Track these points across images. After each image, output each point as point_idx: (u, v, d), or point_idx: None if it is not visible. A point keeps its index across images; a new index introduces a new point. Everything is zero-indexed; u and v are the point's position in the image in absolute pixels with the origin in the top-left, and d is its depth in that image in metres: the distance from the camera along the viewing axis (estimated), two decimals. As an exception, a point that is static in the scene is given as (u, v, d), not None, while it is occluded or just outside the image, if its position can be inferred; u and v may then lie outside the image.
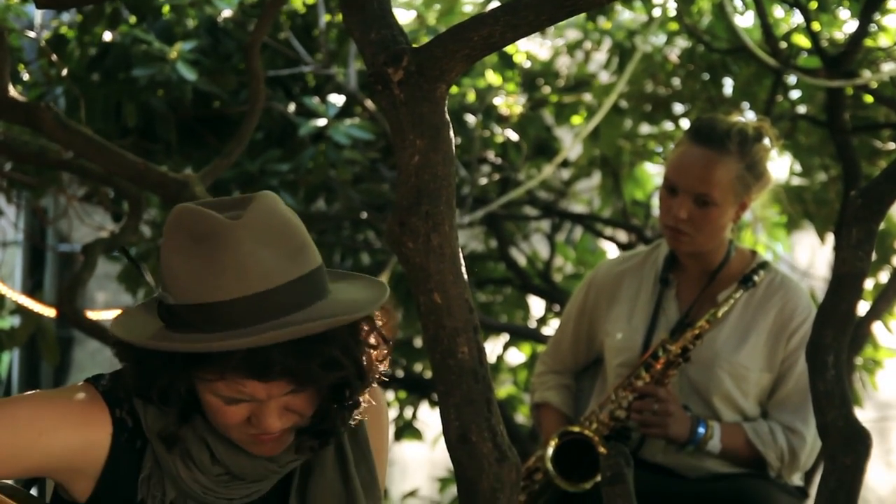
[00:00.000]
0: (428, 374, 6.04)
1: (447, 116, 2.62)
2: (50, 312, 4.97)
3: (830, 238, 5.41)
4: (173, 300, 2.23)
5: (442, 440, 6.68)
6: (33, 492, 2.51)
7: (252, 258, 2.21)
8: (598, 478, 3.70)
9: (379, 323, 2.35)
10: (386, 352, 2.36)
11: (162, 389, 2.25)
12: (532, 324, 6.11)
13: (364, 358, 2.31)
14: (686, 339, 3.78)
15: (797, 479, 3.92)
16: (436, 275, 2.71)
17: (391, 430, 5.90)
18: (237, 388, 2.22)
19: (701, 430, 3.77)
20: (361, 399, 2.34)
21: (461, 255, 2.71)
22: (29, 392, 2.37)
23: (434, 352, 2.76)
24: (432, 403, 6.07)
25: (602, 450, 3.74)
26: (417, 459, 7.81)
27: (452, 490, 6.36)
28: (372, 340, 2.33)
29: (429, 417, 6.36)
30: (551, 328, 5.88)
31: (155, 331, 2.26)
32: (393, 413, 6.09)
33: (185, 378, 2.23)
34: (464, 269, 2.75)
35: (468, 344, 2.74)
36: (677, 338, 3.80)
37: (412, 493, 6.67)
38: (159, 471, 2.32)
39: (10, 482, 2.39)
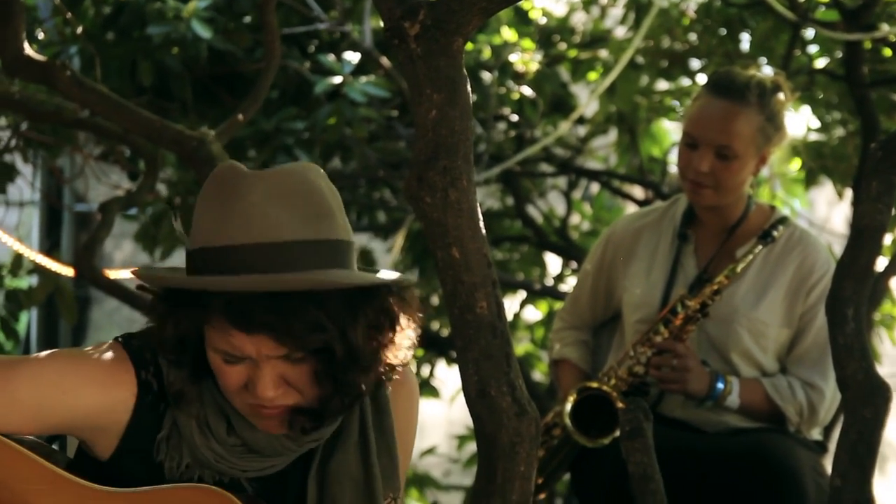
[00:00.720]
0: (445, 332, 6.05)
1: (464, 71, 2.61)
2: (68, 271, 4.97)
3: (848, 193, 5.38)
4: (191, 245, 2.25)
5: (459, 397, 6.69)
6: (55, 447, 2.52)
7: (258, 209, 2.21)
8: (617, 433, 3.71)
9: (403, 315, 2.30)
10: (409, 345, 2.32)
11: (173, 339, 2.26)
12: (549, 281, 6.11)
13: (358, 335, 2.24)
14: (705, 295, 3.77)
15: (816, 434, 3.92)
16: (454, 230, 2.70)
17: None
18: (227, 339, 2.21)
19: (720, 385, 3.77)
20: (363, 387, 2.30)
21: (479, 210, 2.70)
22: (55, 350, 2.37)
23: (452, 307, 2.76)
24: (449, 361, 6.08)
25: (620, 405, 3.74)
26: (435, 417, 7.83)
27: (470, 447, 6.37)
28: (382, 325, 2.28)
29: (446, 375, 6.37)
30: (568, 285, 5.88)
31: (176, 273, 2.30)
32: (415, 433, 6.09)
33: (185, 321, 2.23)
34: (482, 224, 2.75)
35: (486, 298, 2.74)
36: (696, 293, 3.79)
37: (430, 451, 6.68)
38: (177, 434, 2.32)
39: (32, 437, 2.39)
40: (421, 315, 2.35)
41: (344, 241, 2.29)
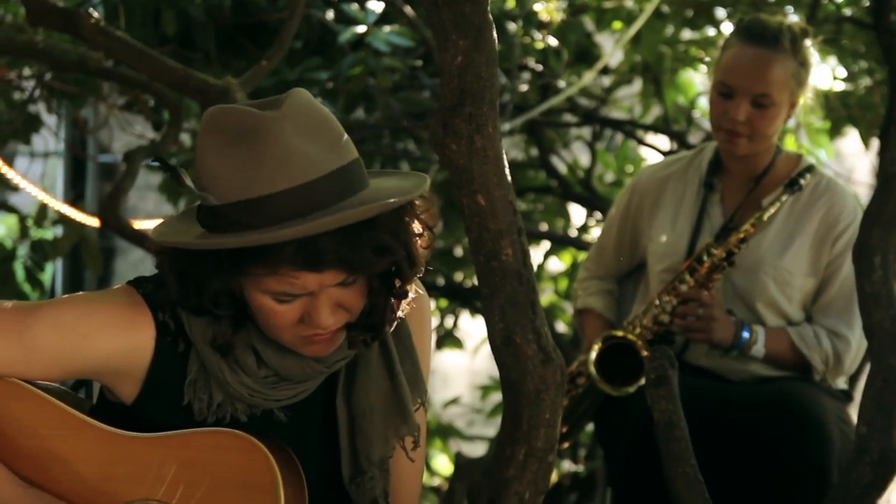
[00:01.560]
0: (469, 283, 6.05)
1: (490, 16, 2.60)
2: (93, 222, 4.98)
3: (874, 144, 5.35)
4: (216, 200, 2.21)
5: (483, 348, 6.70)
6: (80, 395, 2.53)
7: (296, 149, 2.20)
8: (642, 381, 3.71)
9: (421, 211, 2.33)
10: (430, 239, 2.34)
11: (213, 294, 2.25)
12: (573, 232, 6.10)
13: (415, 245, 2.30)
14: (731, 244, 3.76)
15: (841, 383, 3.92)
16: (479, 177, 2.70)
17: (433, 338, 5.91)
18: (289, 281, 2.21)
19: (745, 334, 3.76)
20: (409, 289, 2.33)
21: (505, 157, 2.69)
22: (70, 295, 2.37)
23: (478, 254, 2.76)
24: (473, 312, 6.08)
25: (645, 354, 3.74)
26: (458, 368, 7.85)
27: (494, 398, 6.39)
28: (416, 229, 2.31)
29: (470, 326, 6.38)
30: (592, 236, 5.87)
31: (198, 234, 2.25)
32: (434, 322, 6.10)
33: (236, 278, 2.22)
34: (507, 172, 2.74)
35: (512, 246, 2.74)
36: (722, 242, 3.78)
37: (454, 401, 6.70)
38: (205, 374, 2.32)
39: (57, 385, 2.41)
40: (433, 211, 2.35)
41: (358, 158, 2.30)
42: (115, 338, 2.30)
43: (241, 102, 2.34)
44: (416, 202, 2.31)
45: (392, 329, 2.40)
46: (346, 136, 2.28)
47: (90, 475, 2.28)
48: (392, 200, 2.22)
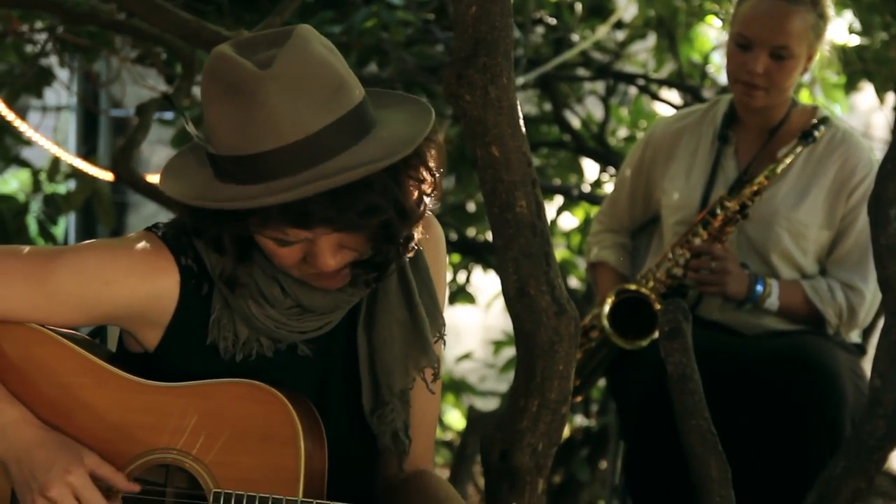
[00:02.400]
0: (481, 238, 6.04)
1: (504, -34, 2.58)
2: (105, 176, 4.98)
3: (889, 99, 5.32)
4: (214, 150, 2.22)
5: (495, 304, 6.67)
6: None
7: (282, 110, 2.17)
8: (655, 335, 3.71)
9: (431, 153, 2.29)
10: (435, 183, 2.30)
11: (215, 238, 2.26)
12: (586, 188, 6.08)
13: (406, 197, 2.25)
14: (745, 196, 3.75)
15: (855, 337, 3.91)
16: (493, 127, 2.69)
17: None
18: (283, 232, 2.21)
19: (759, 287, 3.75)
20: (415, 232, 2.31)
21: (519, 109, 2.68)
22: (92, 241, 2.37)
23: (492, 206, 2.76)
24: (486, 267, 6.07)
25: (658, 307, 3.73)
26: (471, 323, 7.85)
27: (506, 353, 6.38)
28: (421, 174, 2.27)
29: (482, 281, 6.37)
30: (606, 191, 5.85)
31: (204, 180, 2.25)
32: (447, 276, 6.09)
33: (234, 228, 2.23)
34: (522, 123, 2.73)
35: (526, 198, 2.74)
36: (736, 195, 3.77)
37: (466, 356, 6.70)
38: (229, 312, 2.33)
39: (82, 335, 2.41)
40: (442, 143, 2.31)
41: (362, 101, 2.25)
42: (139, 284, 2.31)
43: (246, 36, 2.29)
44: (422, 146, 2.26)
45: (410, 261, 2.39)
46: (346, 80, 2.23)
47: (111, 423, 2.28)
48: (383, 161, 2.18)
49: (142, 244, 2.33)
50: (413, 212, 2.27)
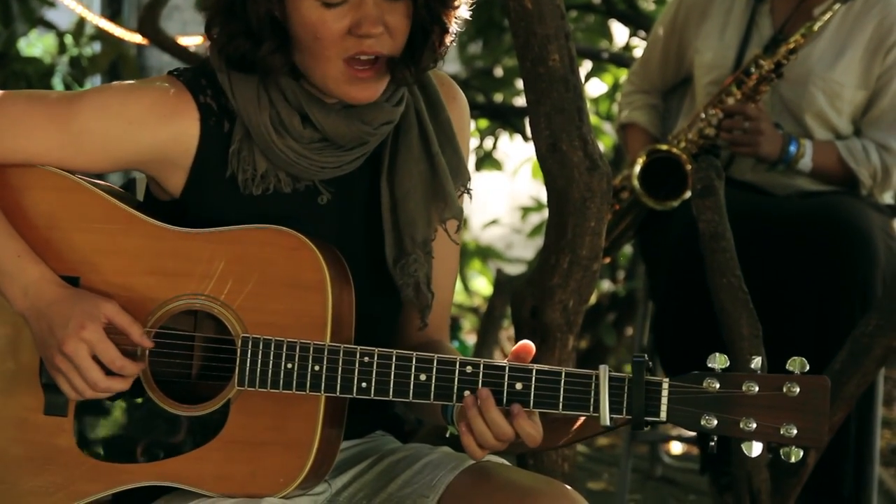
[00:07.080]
0: (509, 103, 5.99)
1: None
2: (132, 37, 4.93)
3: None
4: None
5: (522, 170, 6.63)
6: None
7: None
8: (686, 195, 3.69)
9: None
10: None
11: (259, 20, 2.24)
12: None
13: None
14: (780, 55, 3.69)
15: (888, 198, 3.89)
16: (527, -22, 2.64)
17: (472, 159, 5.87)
18: None
19: (792, 148, 3.72)
20: (449, 24, 2.29)
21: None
22: (112, 83, 2.36)
23: (524, 60, 2.72)
24: (513, 132, 6.04)
25: (689, 168, 3.71)
26: (498, 190, 7.83)
27: (533, 219, 6.37)
28: None
29: (509, 148, 6.33)
30: (636, 55, 5.79)
31: None
32: (473, 143, 6.06)
33: None
34: (555, -26, 2.68)
35: (559, 52, 2.70)
36: (770, 53, 3.72)
37: (493, 222, 6.70)
38: (249, 143, 2.32)
39: (109, 184, 2.40)
40: None
41: None
42: (160, 124, 2.30)
43: None
44: None
45: (431, 116, 2.38)
46: None
47: (137, 269, 2.28)
48: None
49: (162, 85, 2.32)
50: None
